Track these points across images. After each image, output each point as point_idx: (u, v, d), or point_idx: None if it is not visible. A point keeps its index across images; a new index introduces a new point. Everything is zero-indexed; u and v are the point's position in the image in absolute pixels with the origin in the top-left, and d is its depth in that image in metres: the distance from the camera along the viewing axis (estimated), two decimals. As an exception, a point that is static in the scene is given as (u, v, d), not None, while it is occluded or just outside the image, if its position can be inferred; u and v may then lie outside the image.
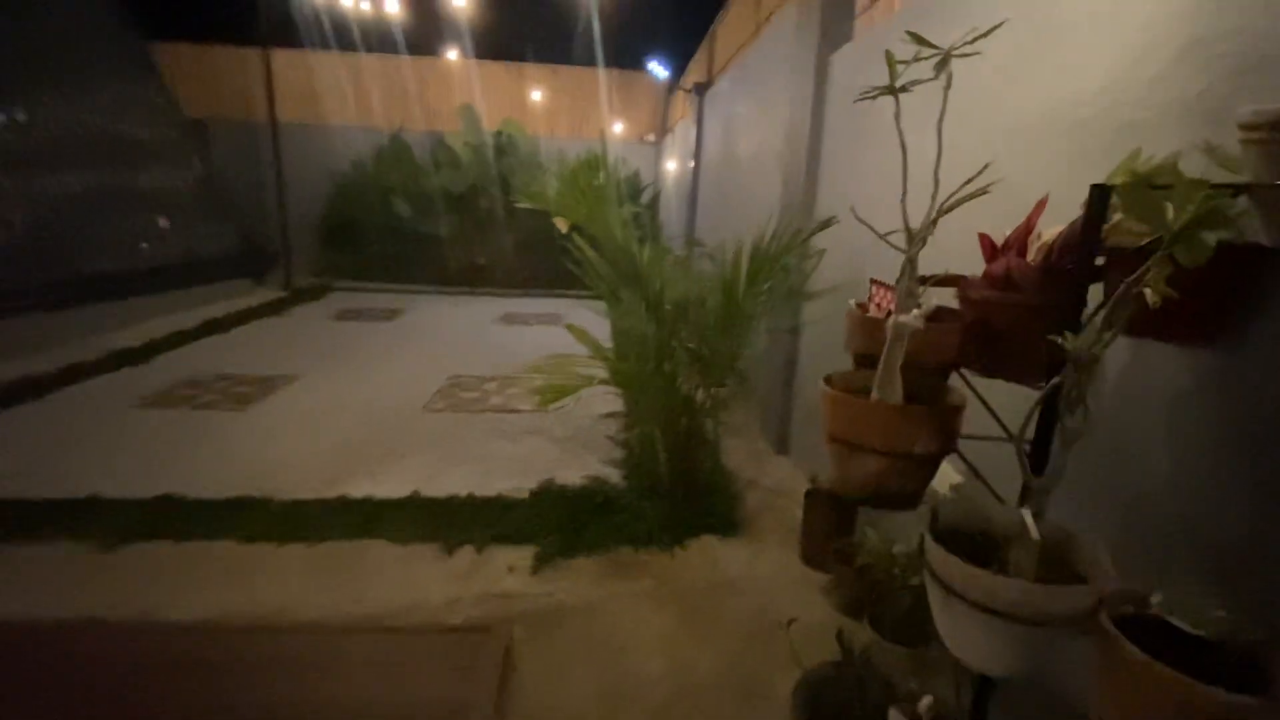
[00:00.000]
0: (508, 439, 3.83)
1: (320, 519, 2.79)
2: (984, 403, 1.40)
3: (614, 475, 3.28)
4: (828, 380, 1.43)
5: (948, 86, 1.25)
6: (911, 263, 1.31)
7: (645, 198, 11.05)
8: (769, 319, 3.07)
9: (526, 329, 7.24)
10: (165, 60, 9.48)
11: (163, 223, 7.54)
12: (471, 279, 10.13)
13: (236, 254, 8.71)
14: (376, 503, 2.95)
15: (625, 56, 10.97)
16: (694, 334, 2.80)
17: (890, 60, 1.26)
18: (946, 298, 1.47)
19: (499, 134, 10.44)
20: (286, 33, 10.05)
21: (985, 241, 1.39)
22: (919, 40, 1.22)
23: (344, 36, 10.52)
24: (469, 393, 4.73)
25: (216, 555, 2.54)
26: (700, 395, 2.87)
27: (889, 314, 1.31)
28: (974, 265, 1.43)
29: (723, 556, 2.67)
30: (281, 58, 10.23)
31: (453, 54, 10.33)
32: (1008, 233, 1.36)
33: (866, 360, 1.42)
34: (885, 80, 1.29)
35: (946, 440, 1.33)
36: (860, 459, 1.35)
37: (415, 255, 10.14)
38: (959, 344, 1.38)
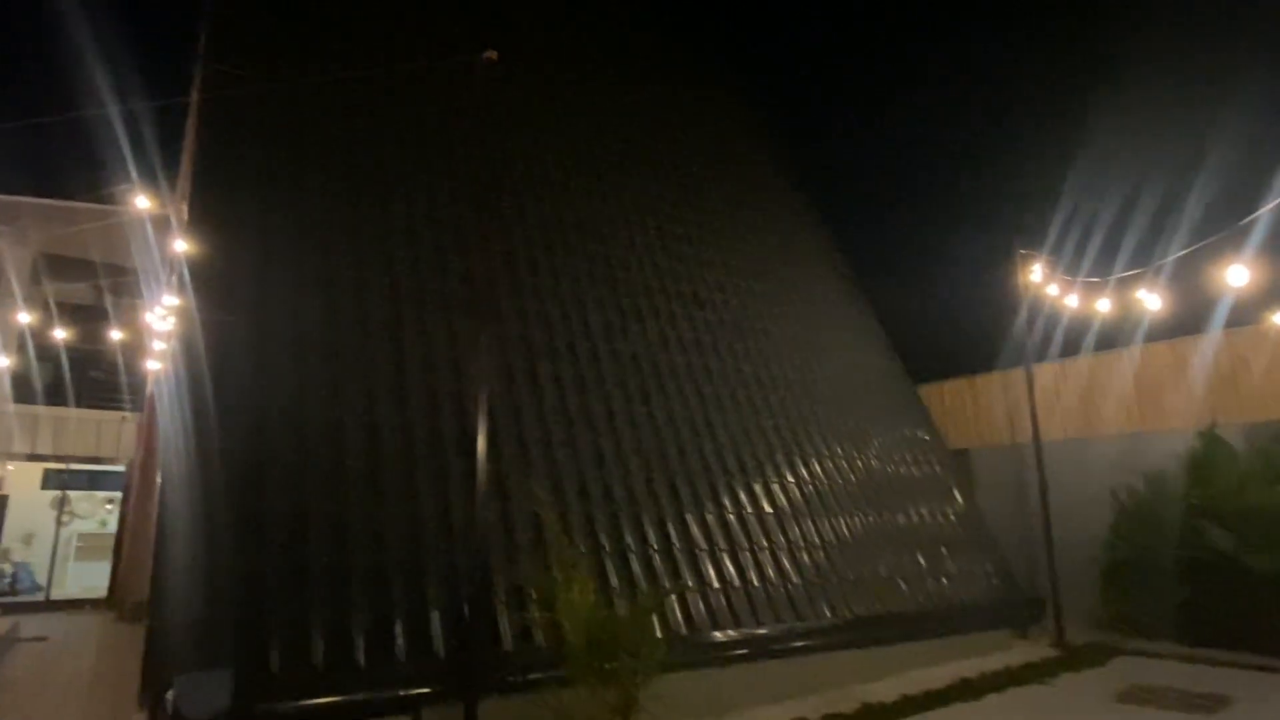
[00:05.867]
0: None
1: None
2: None
3: None
4: None
5: None
6: None
7: None
8: None
9: None
10: (930, 398, 10.68)
11: (921, 562, 7.65)
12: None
13: (994, 598, 7.89)
14: None
15: None
16: None
17: None
18: None
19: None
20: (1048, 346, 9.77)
21: None
22: None
23: (1123, 334, 9.25)
24: None
25: None
26: None
27: None
28: None
29: None
30: (1046, 372, 9.85)
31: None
32: None
33: None
34: None
35: None
36: None
37: (1250, 609, 6.87)
38: None
